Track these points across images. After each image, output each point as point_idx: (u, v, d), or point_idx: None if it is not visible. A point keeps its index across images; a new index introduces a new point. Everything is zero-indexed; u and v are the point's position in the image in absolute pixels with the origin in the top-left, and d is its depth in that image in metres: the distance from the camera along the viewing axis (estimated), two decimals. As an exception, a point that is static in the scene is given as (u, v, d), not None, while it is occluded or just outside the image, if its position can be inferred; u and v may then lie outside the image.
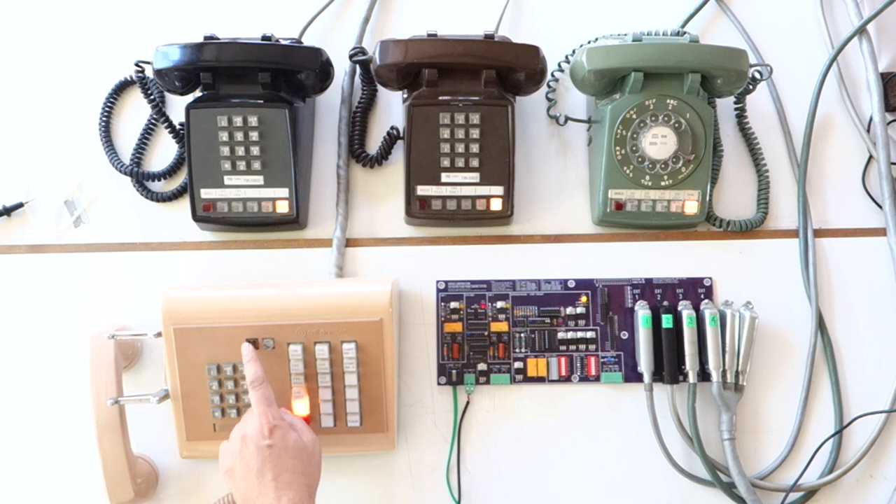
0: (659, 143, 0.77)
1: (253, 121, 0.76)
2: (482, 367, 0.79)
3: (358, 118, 0.83)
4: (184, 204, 0.80)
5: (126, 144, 0.84)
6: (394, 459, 0.78)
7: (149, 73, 0.77)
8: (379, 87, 0.82)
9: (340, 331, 0.72)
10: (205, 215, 0.78)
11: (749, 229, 0.81)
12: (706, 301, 0.79)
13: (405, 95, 0.80)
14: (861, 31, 0.85)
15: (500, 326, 0.79)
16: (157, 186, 0.83)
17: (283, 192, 0.78)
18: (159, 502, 0.76)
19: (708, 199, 0.79)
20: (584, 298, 0.80)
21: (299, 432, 0.66)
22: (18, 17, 0.87)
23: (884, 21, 0.85)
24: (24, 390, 0.79)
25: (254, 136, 0.77)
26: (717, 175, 0.82)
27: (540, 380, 0.79)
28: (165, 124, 0.80)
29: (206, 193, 0.77)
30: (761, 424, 0.78)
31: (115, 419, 0.70)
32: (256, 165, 0.77)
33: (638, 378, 0.78)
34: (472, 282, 0.80)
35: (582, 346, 0.79)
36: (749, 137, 0.83)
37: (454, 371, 0.78)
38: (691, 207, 0.78)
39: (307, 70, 0.77)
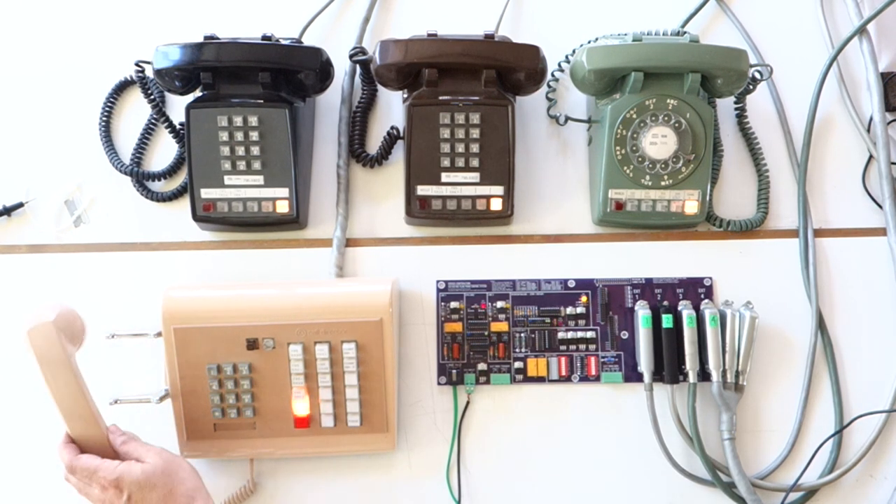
0: (659, 142, 0.77)
1: (253, 121, 0.76)
2: (482, 366, 0.79)
3: (358, 118, 0.83)
4: (184, 204, 0.80)
5: (126, 144, 0.84)
6: (394, 459, 0.78)
7: (149, 73, 0.77)
8: (379, 87, 0.82)
9: (340, 331, 0.72)
10: (205, 215, 0.78)
11: (749, 229, 0.81)
12: (706, 301, 0.79)
13: (405, 95, 0.80)
14: (861, 31, 0.85)
15: (500, 326, 0.79)
16: (157, 186, 0.83)
17: (283, 192, 0.78)
18: (159, 502, 0.76)
19: (708, 198, 0.79)
20: (584, 298, 0.80)
21: (140, 456, 0.65)
22: (18, 17, 0.87)
23: (884, 21, 0.85)
24: (24, 390, 0.79)
25: (254, 136, 0.77)
26: (717, 175, 0.82)
27: (540, 380, 0.79)
28: (165, 124, 0.80)
29: (206, 193, 0.78)
30: (761, 424, 0.78)
31: (83, 401, 0.65)
32: (256, 165, 0.77)
33: (638, 378, 0.78)
34: (472, 282, 0.80)
35: (582, 346, 0.79)
36: (749, 137, 0.83)
37: (454, 371, 0.78)
38: (691, 207, 0.78)
39: (307, 70, 0.77)
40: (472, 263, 0.81)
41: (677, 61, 0.76)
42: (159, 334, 0.73)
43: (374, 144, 0.84)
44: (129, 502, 0.62)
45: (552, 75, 0.84)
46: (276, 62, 0.77)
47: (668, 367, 0.77)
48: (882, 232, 0.82)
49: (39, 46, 0.86)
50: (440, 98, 0.77)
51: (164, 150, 0.84)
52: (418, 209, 0.78)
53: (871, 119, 0.84)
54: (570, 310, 0.80)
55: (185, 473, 0.65)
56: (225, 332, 0.72)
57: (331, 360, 0.72)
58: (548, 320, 0.80)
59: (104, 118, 0.84)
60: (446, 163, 0.77)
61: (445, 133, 0.77)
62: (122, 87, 0.85)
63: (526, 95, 0.81)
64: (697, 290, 0.80)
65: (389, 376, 0.73)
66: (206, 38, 0.78)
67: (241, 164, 0.77)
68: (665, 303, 0.80)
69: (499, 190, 0.78)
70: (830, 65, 0.84)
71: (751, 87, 0.80)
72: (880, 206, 0.82)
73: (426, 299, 0.80)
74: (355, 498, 0.77)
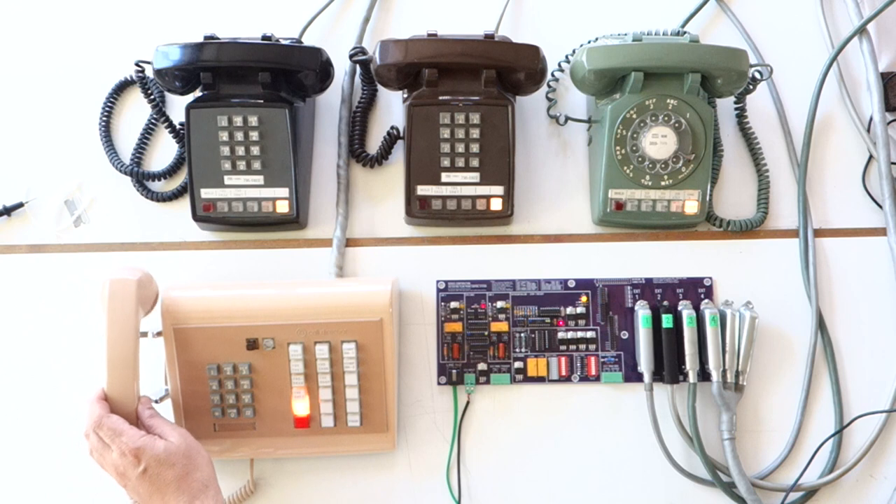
0: (659, 142, 0.77)
1: (253, 121, 0.76)
2: (482, 366, 0.79)
3: (358, 118, 0.83)
4: (184, 204, 0.80)
5: (126, 144, 0.84)
6: (394, 459, 0.78)
7: (149, 72, 0.77)
8: (379, 87, 0.82)
9: (340, 331, 0.72)
10: (205, 215, 0.78)
11: (749, 229, 0.81)
12: (706, 301, 0.79)
13: (405, 95, 0.80)
14: (861, 31, 0.85)
15: (500, 326, 0.79)
16: (157, 186, 0.83)
17: (283, 192, 0.78)
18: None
19: (708, 198, 0.79)
20: (584, 298, 0.80)
21: (164, 434, 0.66)
22: (18, 17, 0.87)
23: (884, 21, 0.85)
24: (24, 390, 0.79)
25: (254, 136, 0.77)
26: (717, 175, 0.82)
27: (540, 380, 0.79)
28: (165, 124, 0.80)
29: (206, 193, 0.78)
30: (761, 424, 0.78)
31: (129, 363, 0.68)
32: (256, 165, 0.77)
33: (638, 378, 0.78)
34: (472, 282, 0.80)
35: (582, 346, 0.79)
36: (749, 137, 0.83)
37: (454, 371, 0.78)
38: (691, 207, 0.78)
39: (307, 70, 0.77)
40: (472, 263, 0.81)
41: (677, 61, 0.76)
42: (159, 334, 0.73)
43: (374, 144, 0.84)
44: (143, 474, 0.63)
45: (552, 75, 0.84)
46: (276, 62, 0.77)
47: (668, 367, 0.77)
48: (882, 232, 0.82)
49: (39, 46, 0.86)
50: (440, 98, 0.77)
51: (164, 150, 0.84)
52: (418, 209, 0.78)
53: (871, 119, 0.84)
54: (570, 310, 0.80)
55: (203, 461, 0.66)
56: (225, 332, 0.72)
57: (331, 360, 0.72)
58: (548, 320, 0.80)
59: (104, 118, 0.84)
60: (446, 163, 0.77)
61: (445, 133, 0.77)
62: (122, 87, 0.85)
63: (526, 95, 0.81)
64: (697, 290, 0.80)
65: (389, 376, 0.73)
66: (206, 38, 0.78)
67: (241, 164, 0.77)
68: (665, 303, 0.80)
69: (499, 190, 0.78)
70: (830, 65, 0.84)
71: (751, 87, 0.80)
72: (880, 206, 0.82)
73: (426, 299, 0.80)
74: (355, 498, 0.77)
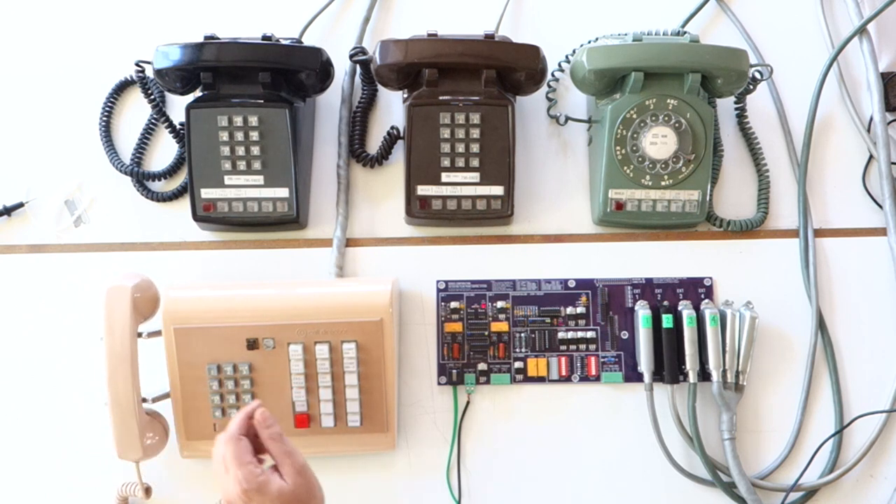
0: (659, 142, 0.77)
1: (253, 121, 0.76)
2: (482, 366, 0.79)
3: (358, 118, 0.83)
4: (184, 204, 0.80)
5: (126, 144, 0.84)
6: (394, 459, 0.78)
7: (149, 72, 0.77)
8: (379, 87, 0.82)
9: (340, 331, 0.72)
10: (205, 215, 0.78)
11: (749, 229, 0.81)
12: (706, 301, 0.79)
13: (405, 95, 0.80)
14: (861, 31, 0.85)
15: (501, 326, 0.79)
16: (158, 186, 0.83)
17: (283, 192, 0.78)
18: (159, 503, 0.76)
19: (708, 198, 0.79)
20: (584, 298, 0.80)
21: (282, 467, 0.59)
22: (18, 17, 0.87)
23: (884, 21, 0.85)
24: (24, 390, 0.79)
25: (254, 136, 0.77)
26: (717, 175, 0.82)
27: (540, 380, 0.79)
28: (166, 124, 0.80)
29: (207, 193, 0.78)
30: (761, 424, 0.78)
31: (127, 365, 0.69)
32: (256, 165, 0.77)
33: (638, 378, 0.78)
34: (473, 282, 0.80)
35: (582, 346, 0.79)
36: (749, 137, 0.83)
37: (454, 371, 0.78)
38: (691, 207, 0.78)
39: (307, 70, 0.77)
40: (472, 263, 0.81)
41: (677, 61, 0.76)
42: (152, 334, 0.73)
43: (374, 144, 0.84)
44: None
45: (552, 75, 0.84)
46: (276, 62, 0.77)
47: (669, 367, 0.77)
48: (882, 232, 0.82)
49: (39, 46, 0.86)
50: (440, 98, 0.77)
51: (164, 150, 0.84)
52: (418, 209, 0.78)
53: (871, 119, 0.84)
54: (570, 310, 0.80)
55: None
56: (225, 332, 0.72)
57: (331, 360, 0.72)
58: (548, 320, 0.80)
59: (104, 118, 0.84)
60: (446, 163, 0.77)
61: (445, 133, 0.77)
62: (122, 87, 0.85)
63: (526, 95, 0.81)
64: (697, 290, 0.80)
65: (389, 376, 0.73)
66: (206, 38, 0.78)
67: (242, 164, 0.77)
68: (665, 303, 0.80)
69: (499, 190, 0.78)
70: (830, 65, 0.84)
71: (751, 87, 0.80)
72: (880, 206, 0.82)
73: (426, 299, 0.80)
74: (355, 498, 0.77)
